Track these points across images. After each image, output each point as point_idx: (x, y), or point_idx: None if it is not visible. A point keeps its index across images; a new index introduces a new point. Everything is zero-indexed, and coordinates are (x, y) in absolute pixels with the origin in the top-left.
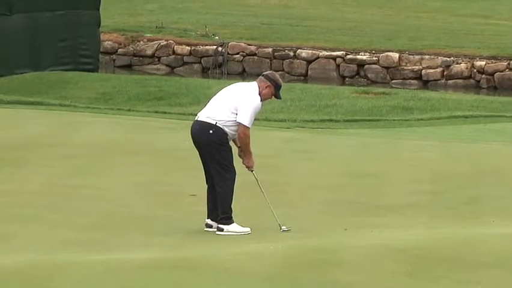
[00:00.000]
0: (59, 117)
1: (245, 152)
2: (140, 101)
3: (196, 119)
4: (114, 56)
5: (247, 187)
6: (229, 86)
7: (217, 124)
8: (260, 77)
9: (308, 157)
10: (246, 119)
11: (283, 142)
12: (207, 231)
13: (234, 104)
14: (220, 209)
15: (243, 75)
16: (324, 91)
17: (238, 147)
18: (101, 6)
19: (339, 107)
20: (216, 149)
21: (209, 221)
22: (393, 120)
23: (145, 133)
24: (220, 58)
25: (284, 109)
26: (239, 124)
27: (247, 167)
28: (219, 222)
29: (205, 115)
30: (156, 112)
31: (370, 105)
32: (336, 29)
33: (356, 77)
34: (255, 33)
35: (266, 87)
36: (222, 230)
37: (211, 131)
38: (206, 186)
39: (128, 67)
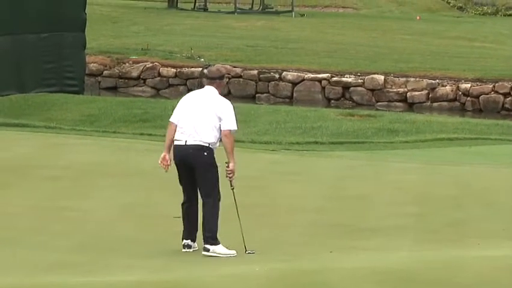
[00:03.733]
0: (44, 139)
1: (232, 156)
2: (125, 123)
3: (181, 143)
4: (99, 78)
5: (233, 209)
6: (192, 99)
7: (209, 146)
8: (210, 80)
9: (294, 179)
10: (234, 124)
11: (269, 164)
12: (187, 251)
13: (214, 120)
14: (206, 228)
15: (228, 97)
16: (310, 113)
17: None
18: (86, 28)
19: (324, 129)
20: (209, 171)
21: (189, 242)
22: (379, 142)
23: (130, 155)
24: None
25: (270, 131)
26: (227, 131)
27: (231, 171)
28: (205, 242)
29: (194, 138)
30: (141, 134)
31: (355, 128)
32: (322, 51)
33: (342, 99)
34: (240, 56)
35: (220, 85)
36: (208, 250)
37: (205, 153)
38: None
39: (113, 89)
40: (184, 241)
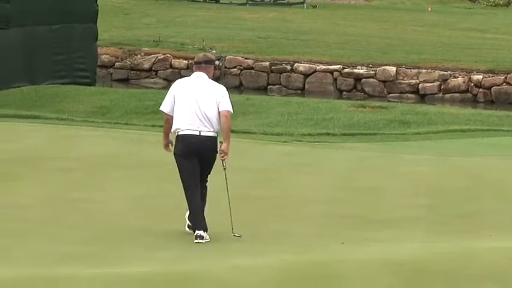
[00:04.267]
0: (55, 131)
1: (228, 137)
2: (137, 115)
3: (194, 133)
4: (111, 70)
5: (245, 201)
6: (189, 87)
7: (217, 135)
8: (200, 65)
9: (305, 171)
10: (230, 106)
11: (281, 155)
12: (199, 242)
13: (216, 107)
14: (203, 217)
15: (240, 88)
16: (321, 105)
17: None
18: (98, 20)
19: (336, 120)
20: (215, 159)
21: (201, 232)
22: (390, 134)
23: (142, 147)
24: (218, 72)
25: (281, 123)
26: (227, 112)
27: (224, 152)
28: (200, 229)
29: (207, 128)
30: (153, 126)
31: (367, 119)
32: (333, 42)
33: (353, 90)
34: (252, 47)
35: (210, 71)
36: (202, 238)
37: (218, 144)
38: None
39: (125, 81)
40: (198, 232)
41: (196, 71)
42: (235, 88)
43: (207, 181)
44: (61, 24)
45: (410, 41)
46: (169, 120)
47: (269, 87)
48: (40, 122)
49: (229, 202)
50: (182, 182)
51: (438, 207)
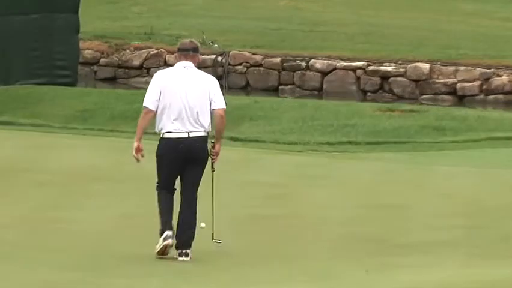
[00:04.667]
0: (30, 139)
1: (221, 137)
2: (125, 120)
3: (182, 135)
4: (95, 67)
5: (252, 220)
6: (176, 78)
7: (208, 134)
8: (187, 53)
9: (323, 185)
10: (223, 102)
11: (294, 168)
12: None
13: (208, 102)
14: (191, 228)
15: (247, 89)
16: (342, 108)
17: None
18: (80, 9)
19: (359, 127)
20: (206, 162)
21: (171, 233)
22: (423, 142)
23: (129, 157)
24: (220, 70)
25: (295, 130)
26: (222, 110)
27: (216, 153)
28: (187, 247)
29: (196, 128)
30: (145, 133)
31: (396, 125)
32: (356, 35)
33: (380, 91)
34: (260, 41)
35: (196, 59)
36: (188, 255)
37: (209, 146)
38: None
39: (111, 80)
40: (168, 232)
41: (181, 59)
42: (241, 89)
43: (197, 188)
44: (37, 13)
45: (446, 33)
46: (149, 114)
47: (281, 87)
48: (12, 129)
49: (212, 207)
50: (157, 182)
51: (477, 228)
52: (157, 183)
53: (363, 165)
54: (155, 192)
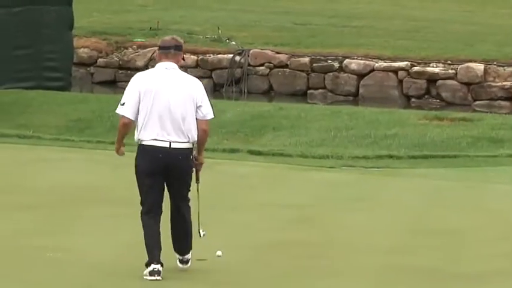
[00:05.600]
0: (16, 154)
1: (203, 149)
2: None
3: (163, 144)
4: (92, 69)
5: (276, 247)
6: (157, 82)
7: (194, 145)
8: (168, 52)
9: (358, 207)
10: (211, 112)
11: (325, 187)
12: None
13: (193, 109)
14: (189, 236)
15: (270, 94)
16: (382, 116)
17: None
18: (74, 1)
19: (402, 138)
20: (191, 175)
21: (159, 267)
22: (477, 156)
23: (132, 175)
24: (238, 71)
25: (326, 141)
26: (205, 122)
27: (200, 164)
28: (186, 253)
29: (180, 138)
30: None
31: (445, 136)
32: (398, 31)
33: (426, 96)
34: (286, 38)
35: (178, 59)
36: (188, 262)
37: (192, 157)
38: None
39: (111, 83)
40: (155, 267)
41: (162, 60)
42: (263, 94)
43: (186, 200)
44: (25, 6)
45: (503, 29)
46: (127, 125)
47: (309, 92)
48: None
49: (198, 224)
50: (141, 203)
51: None
52: (141, 204)
53: (406, 184)
54: (139, 218)
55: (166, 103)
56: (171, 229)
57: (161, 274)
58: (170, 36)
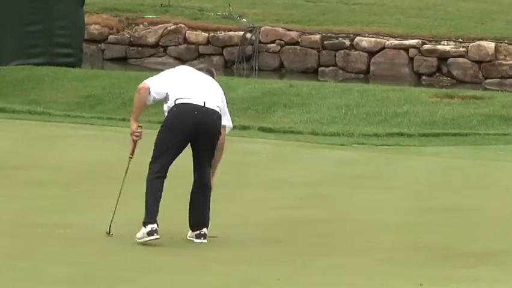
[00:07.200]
0: (27, 130)
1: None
2: None
3: (197, 102)
4: (103, 46)
5: (286, 225)
6: (192, 71)
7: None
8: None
9: (369, 185)
10: (230, 120)
11: (336, 165)
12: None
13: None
14: (207, 208)
15: (281, 71)
16: (393, 94)
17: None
18: None
19: (412, 116)
20: (217, 140)
21: (156, 226)
22: (488, 134)
23: (145, 151)
24: (249, 48)
25: (337, 119)
26: (224, 128)
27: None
28: (204, 225)
29: (211, 103)
30: (160, 122)
31: (456, 114)
32: (409, 8)
33: (437, 74)
34: (297, 15)
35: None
36: (206, 236)
37: (220, 121)
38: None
39: (122, 60)
40: (153, 226)
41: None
42: (273, 71)
43: (209, 167)
44: None
45: None
46: (147, 90)
47: (320, 69)
48: (6, 117)
49: (118, 198)
50: (151, 163)
51: None
52: (151, 164)
53: (417, 162)
54: (147, 178)
55: (198, 83)
56: (193, 201)
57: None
58: (205, 65)
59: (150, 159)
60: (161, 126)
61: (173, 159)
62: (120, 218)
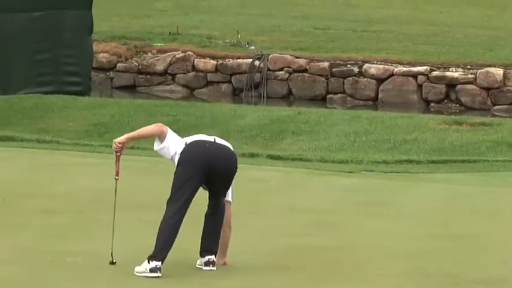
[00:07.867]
0: (36, 158)
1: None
2: None
3: (209, 139)
4: (112, 74)
5: (295, 253)
6: (205, 139)
7: None
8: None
9: (379, 212)
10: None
11: (344, 192)
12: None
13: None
14: (218, 236)
15: (289, 98)
16: (401, 121)
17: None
18: (93, 5)
19: (421, 142)
20: (234, 173)
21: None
22: (496, 161)
23: (153, 180)
24: (258, 76)
25: (346, 146)
26: (226, 203)
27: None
28: (213, 253)
29: (222, 141)
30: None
31: (464, 141)
32: (417, 35)
33: (445, 101)
34: (305, 42)
35: None
36: (214, 264)
37: (235, 156)
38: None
39: (131, 88)
40: (158, 263)
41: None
42: (282, 98)
43: (224, 197)
44: (44, 10)
45: None
46: (162, 127)
47: (329, 96)
48: (15, 146)
49: (113, 220)
50: (172, 190)
51: None
52: (172, 199)
53: (426, 189)
54: (166, 215)
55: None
56: (205, 225)
57: (157, 272)
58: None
59: (169, 197)
60: (176, 166)
61: (194, 194)
62: (124, 245)
